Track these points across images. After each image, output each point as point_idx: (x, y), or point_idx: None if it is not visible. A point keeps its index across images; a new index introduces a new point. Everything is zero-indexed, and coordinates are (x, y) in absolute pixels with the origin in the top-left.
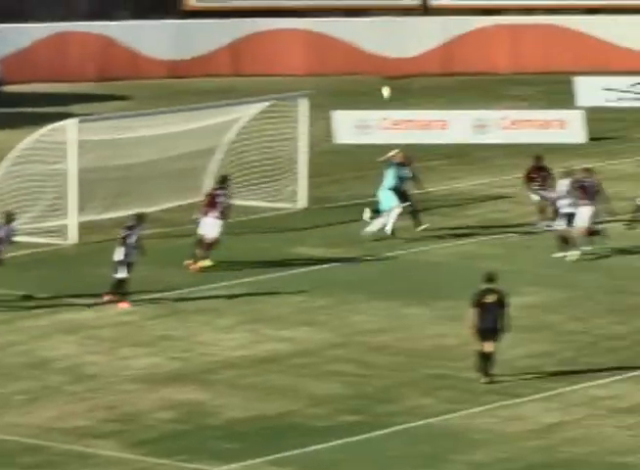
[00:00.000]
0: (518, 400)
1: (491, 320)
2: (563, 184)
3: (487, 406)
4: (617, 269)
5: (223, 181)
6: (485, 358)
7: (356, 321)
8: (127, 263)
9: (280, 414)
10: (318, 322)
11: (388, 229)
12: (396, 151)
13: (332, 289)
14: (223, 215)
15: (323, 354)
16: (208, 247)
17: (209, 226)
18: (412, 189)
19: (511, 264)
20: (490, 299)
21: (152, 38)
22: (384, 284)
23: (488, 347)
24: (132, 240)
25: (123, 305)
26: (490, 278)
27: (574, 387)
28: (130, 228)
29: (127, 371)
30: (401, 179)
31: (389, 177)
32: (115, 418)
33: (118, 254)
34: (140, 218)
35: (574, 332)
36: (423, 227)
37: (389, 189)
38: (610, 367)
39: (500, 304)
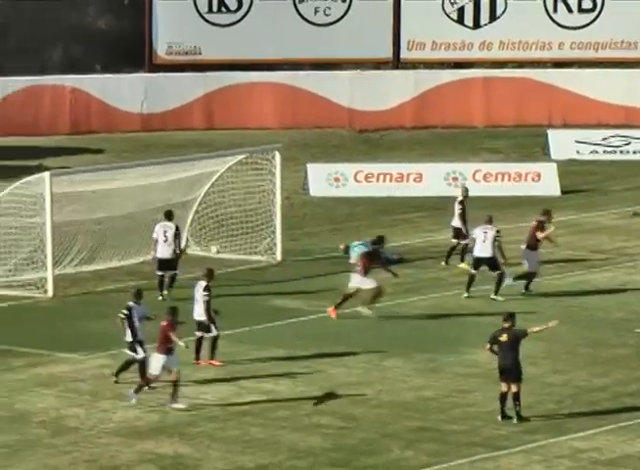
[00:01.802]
0: (500, 453)
1: (504, 359)
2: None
3: (470, 459)
4: (595, 321)
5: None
6: (502, 398)
7: (336, 374)
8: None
9: (260, 467)
10: (298, 375)
11: None
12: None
13: (311, 342)
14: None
15: (303, 407)
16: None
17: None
18: None
19: (490, 317)
20: (504, 338)
21: (124, 91)
22: (363, 336)
23: (503, 386)
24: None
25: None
26: (505, 317)
27: (556, 439)
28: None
29: (107, 424)
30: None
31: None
32: None
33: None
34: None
35: (555, 384)
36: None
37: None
38: (591, 419)
39: (512, 344)
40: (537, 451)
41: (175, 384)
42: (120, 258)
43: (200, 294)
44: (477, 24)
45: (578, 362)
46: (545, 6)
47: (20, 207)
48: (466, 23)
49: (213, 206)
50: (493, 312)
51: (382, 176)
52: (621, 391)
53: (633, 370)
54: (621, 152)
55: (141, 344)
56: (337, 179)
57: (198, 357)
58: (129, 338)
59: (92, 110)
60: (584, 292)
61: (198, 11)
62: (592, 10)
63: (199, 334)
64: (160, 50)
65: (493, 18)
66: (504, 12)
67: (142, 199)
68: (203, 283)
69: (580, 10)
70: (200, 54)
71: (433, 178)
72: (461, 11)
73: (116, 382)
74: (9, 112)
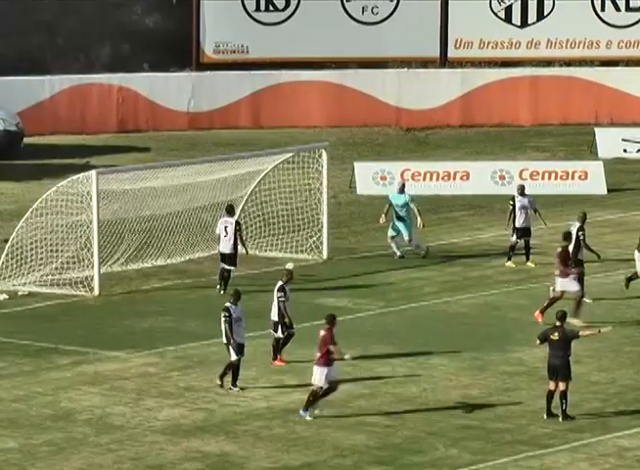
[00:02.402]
0: (545, 451)
1: (554, 358)
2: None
3: (514, 457)
4: None
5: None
6: (549, 397)
7: (381, 372)
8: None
9: (305, 465)
10: (343, 373)
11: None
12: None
13: (357, 340)
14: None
15: (348, 405)
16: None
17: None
18: None
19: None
20: (555, 337)
21: (172, 90)
22: (409, 335)
23: (551, 385)
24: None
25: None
26: (558, 316)
27: (602, 437)
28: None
29: (153, 422)
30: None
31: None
32: None
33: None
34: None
35: (600, 383)
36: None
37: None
38: (636, 418)
39: (563, 343)
40: (582, 450)
41: (317, 395)
42: (166, 257)
43: (274, 294)
44: (524, 23)
45: (624, 361)
46: (593, 4)
47: (66, 205)
48: (513, 21)
49: (260, 204)
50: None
51: (428, 175)
52: None
53: None
54: None
55: (238, 347)
56: (383, 178)
57: (275, 357)
58: (224, 340)
59: (139, 108)
60: (630, 290)
61: (245, 9)
62: None
63: (273, 333)
64: (208, 49)
65: (541, 16)
66: (551, 10)
67: (188, 197)
68: (279, 283)
69: (628, 8)
70: (247, 53)
71: (479, 177)
72: (509, 9)
73: (221, 386)
74: (57, 110)
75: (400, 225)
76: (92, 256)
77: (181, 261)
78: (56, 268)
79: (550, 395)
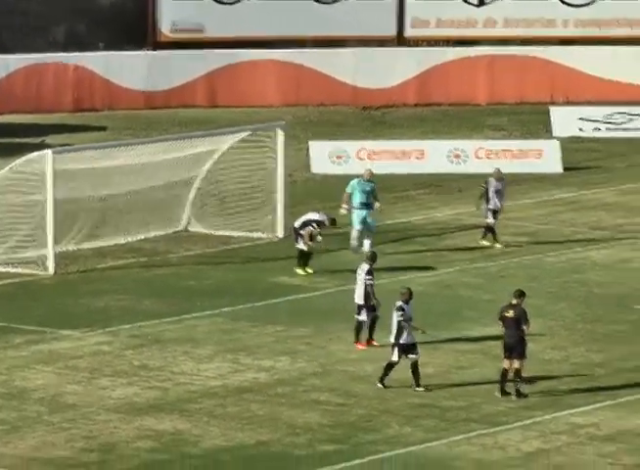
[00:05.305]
0: (498, 429)
1: (509, 336)
2: None
3: (468, 435)
4: (594, 298)
5: None
6: (503, 375)
7: (336, 350)
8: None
9: (259, 443)
10: (297, 351)
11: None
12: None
13: (311, 318)
14: None
15: (302, 384)
16: None
17: None
18: None
19: (489, 294)
20: (509, 314)
21: (127, 69)
22: None
23: (505, 363)
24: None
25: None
26: (516, 294)
27: (554, 415)
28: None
29: (106, 401)
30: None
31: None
32: (95, 448)
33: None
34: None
35: (553, 361)
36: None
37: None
38: (589, 395)
39: (517, 321)
40: (535, 427)
41: None
42: (122, 236)
43: (362, 277)
44: (481, 2)
45: (577, 339)
46: None
47: (22, 184)
48: (470, 0)
49: (215, 183)
50: (493, 289)
51: (384, 154)
52: (620, 367)
53: (632, 346)
54: (624, 129)
55: (402, 348)
56: (339, 157)
57: (357, 339)
58: (392, 339)
59: (95, 87)
60: (583, 268)
61: None
62: None
63: (357, 317)
64: (165, 28)
65: None
66: None
67: (144, 176)
68: (365, 266)
69: None
70: (204, 32)
71: (435, 155)
72: None
73: (384, 386)
74: (12, 89)
75: (366, 215)
76: (46, 235)
77: (137, 240)
78: (10, 247)
79: (504, 373)
